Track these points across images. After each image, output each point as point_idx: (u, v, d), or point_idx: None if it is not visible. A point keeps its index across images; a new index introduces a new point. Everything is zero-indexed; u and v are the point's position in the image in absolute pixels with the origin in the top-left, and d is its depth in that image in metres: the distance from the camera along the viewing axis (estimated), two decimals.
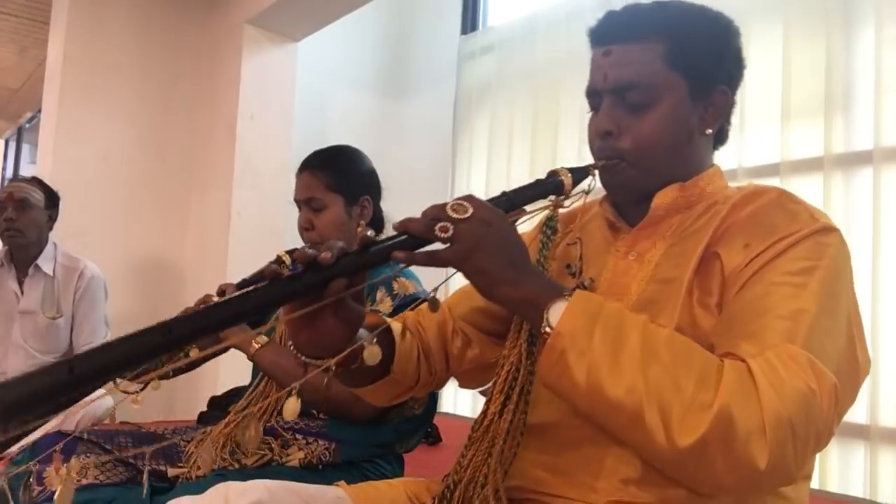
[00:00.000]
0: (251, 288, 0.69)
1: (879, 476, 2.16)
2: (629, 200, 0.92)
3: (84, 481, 1.23)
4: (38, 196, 2.55)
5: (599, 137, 0.88)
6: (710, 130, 0.89)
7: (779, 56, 2.47)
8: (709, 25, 0.88)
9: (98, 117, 3.45)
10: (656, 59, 0.84)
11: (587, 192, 0.89)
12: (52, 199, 2.62)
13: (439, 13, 4.15)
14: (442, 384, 1.01)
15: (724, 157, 0.98)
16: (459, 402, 3.78)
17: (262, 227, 3.36)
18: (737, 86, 0.91)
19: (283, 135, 3.50)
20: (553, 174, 0.86)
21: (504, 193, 0.83)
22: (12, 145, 8.00)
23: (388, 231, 1.40)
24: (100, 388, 0.61)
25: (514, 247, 0.76)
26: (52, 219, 2.63)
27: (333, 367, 0.77)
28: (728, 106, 0.90)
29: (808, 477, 0.84)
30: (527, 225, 0.86)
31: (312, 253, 0.70)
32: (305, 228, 1.48)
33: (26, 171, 7.04)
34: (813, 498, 0.86)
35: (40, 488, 1.23)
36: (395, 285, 1.42)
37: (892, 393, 2.14)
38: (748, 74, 0.93)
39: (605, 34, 0.88)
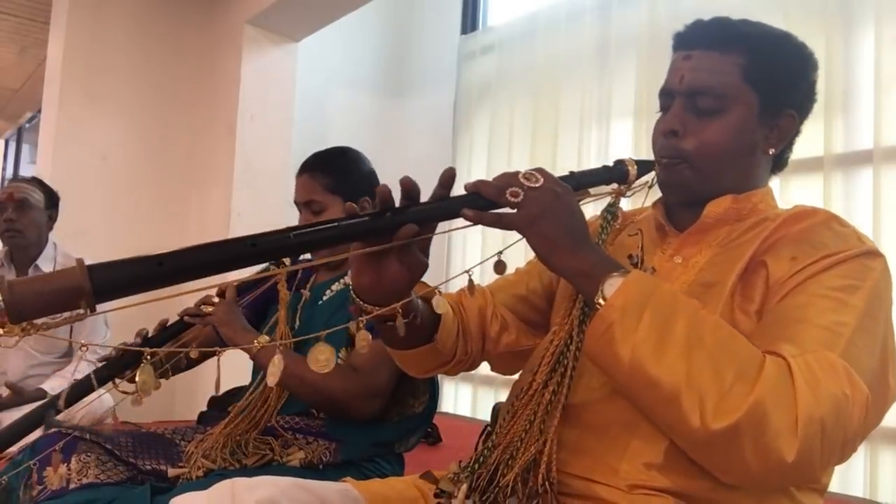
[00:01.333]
0: (332, 220, 0.73)
1: (879, 476, 2.16)
2: (682, 202, 0.94)
3: (84, 480, 1.23)
4: (37, 196, 2.55)
5: (664, 136, 0.90)
6: (773, 151, 0.91)
7: None
8: (790, 51, 0.91)
9: (98, 117, 3.45)
10: (734, 70, 0.87)
11: (650, 186, 0.92)
12: (52, 199, 2.61)
13: (439, 13, 4.15)
14: (475, 365, 1.03)
15: None
16: (459, 402, 3.78)
17: (262, 227, 3.26)
18: (805, 116, 0.93)
19: (283, 135, 3.50)
20: (620, 163, 0.89)
21: (572, 173, 0.87)
22: (12, 145, 8.01)
23: None
24: (183, 282, 0.65)
25: (578, 220, 0.79)
26: (52, 219, 2.63)
27: (400, 310, 0.81)
28: (793, 132, 0.92)
29: (823, 492, 0.85)
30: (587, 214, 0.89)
31: (389, 191, 0.76)
32: None
33: (26, 171, 7.04)
34: None
35: (40, 487, 1.23)
36: None
37: None
38: None
39: (690, 39, 0.91)
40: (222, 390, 1.72)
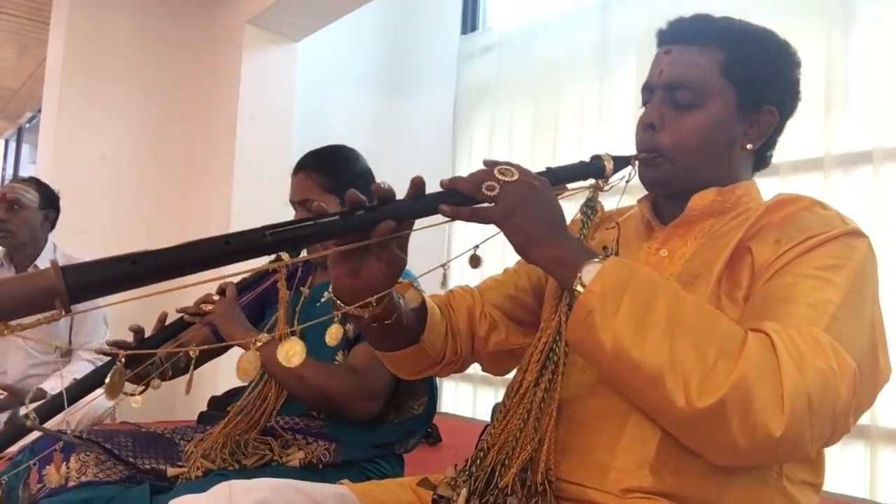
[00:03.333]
0: (308, 217, 0.73)
1: (879, 476, 2.16)
2: (663, 196, 0.94)
3: (83, 479, 1.23)
4: (31, 196, 2.54)
5: (643, 129, 0.91)
6: (751, 146, 0.91)
7: None
8: (770, 48, 0.91)
9: (98, 117, 3.44)
10: (713, 64, 0.88)
11: (627, 181, 0.92)
12: (48, 199, 2.60)
13: (439, 13, 4.15)
14: (465, 366, 1.03)
15: None
16: (459, 402, 3.78)
17: None
18: (787, 113, 0.93)
19: (283, 135, 3.50)
20: (596, 158, 0.90)
21: (549, 168, 0.87)
22: (12, 145, 8.01)
23: None
24: (159, 282, 0.65)
25: (554, 211, 0.79)
26: (49, 219, 2.62)
27: (374, 304, 0.81)
28: (773, 128, 0.92)
29: (818, 488, 0.86)
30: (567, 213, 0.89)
31: (362, 197, 0.76)
32: None
33: (26, 171, 7.05)
34: None
35: (39, 486, 1.23)
36: None
37: (892, 393, 2.14)
38: None
39: (671, 35, 0.92)
40: (222, 390, 1.71)
